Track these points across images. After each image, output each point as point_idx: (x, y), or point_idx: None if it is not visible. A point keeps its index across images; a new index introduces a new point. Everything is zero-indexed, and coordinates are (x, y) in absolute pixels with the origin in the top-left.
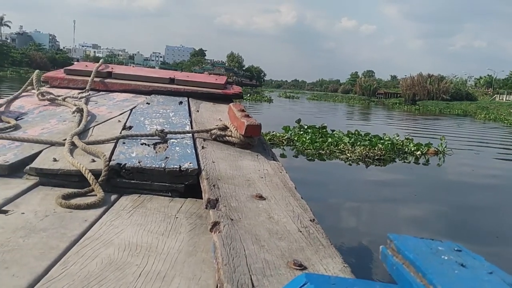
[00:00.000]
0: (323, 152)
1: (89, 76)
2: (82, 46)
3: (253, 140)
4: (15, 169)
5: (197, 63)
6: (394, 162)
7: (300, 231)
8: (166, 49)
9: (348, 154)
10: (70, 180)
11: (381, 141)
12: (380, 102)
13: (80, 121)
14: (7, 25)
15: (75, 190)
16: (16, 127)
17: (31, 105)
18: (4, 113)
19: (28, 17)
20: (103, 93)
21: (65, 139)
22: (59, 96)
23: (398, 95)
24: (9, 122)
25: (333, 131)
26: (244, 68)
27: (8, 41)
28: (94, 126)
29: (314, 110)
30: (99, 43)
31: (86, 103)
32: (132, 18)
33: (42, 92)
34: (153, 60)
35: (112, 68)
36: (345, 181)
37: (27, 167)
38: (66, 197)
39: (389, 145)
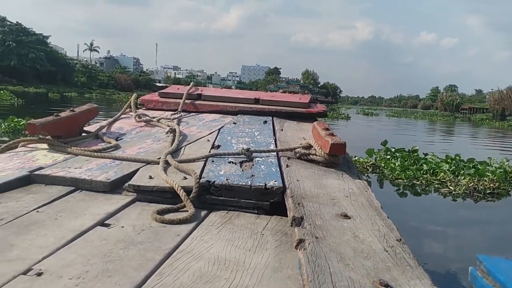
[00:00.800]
0: (417, 182)
1: (181, 98)
2: (164, 68)
3: (338, 159)
4: (115, 186)
5: (271, 81)
6: (509, 196)
7: (386, 251)
8: (242, 68)
9: (451, 187)
10: (164, 196)
11: (489, 167)
12: (466, 118)
13: (173, 141)
14: (96, 50)
15: (169, 206)
16: (116, 147)
17: (129, 126)
18: (106, 134)
19: (115, 42)
20: (194, 114)
21: (160, 158)
22: (154, 117)
23: (485, 110)
24: (110, 143)
25: (425, 155)
26: (319, 85)
27: (97, 65)
28: (185, 145)
29: (396, 127)
30: (179, 65)
31: (178, 124)
32: (210, 40)
33: (139, 114)
34: (229, 80)
35: (201, 91)
36: (453, 225)
37: (126, 184)
38: (161, 212)
39: (502, 174)
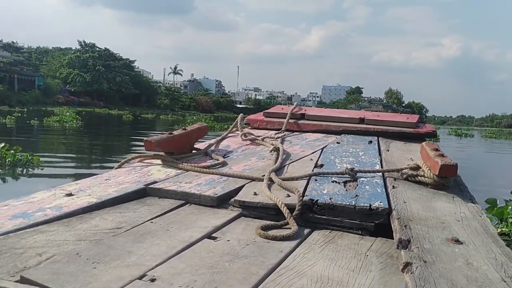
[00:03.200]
0: None
1: (285, 118)
2: (245, 89)
3: (448, 181)
4: (222, 201)
5: (353, 101)
6: None
7: (504, 281)
8: (323, 88)
9: None
10: (268, 213)
11: None
12: None
13: (277, 159)
14: (179, 73)
15: (272, 222)
16: (223, 164)
17: (235, 144)
18: (214, 151)
19: (199, 66)
20: (297, 133)
21: (264, 175)
22: (258, 136)
23: None
24: (218, 160)
25: None
26: (403, 105)
27: (181, 88)
28: (288, 164)
29: (504, 152)
30: (260, 86)
31: (282, 143)
32: (291, 61)
33: (245, 133)
34: (310, 100)
35: (305, 110)
36: None
37: (232, 200)
38: (265, 228)
39: None
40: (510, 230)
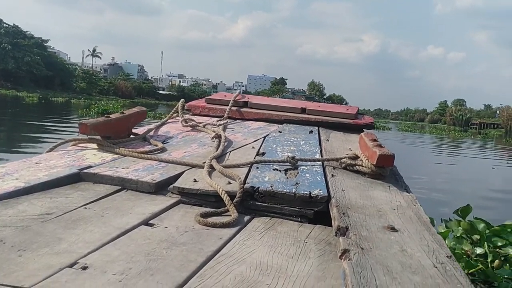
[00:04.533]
0: None
1: (227, 105)
2: (169, 76)
3: (385, 171)
4: (160, 187)
5: (277, 92)
6: None
7: (436, 267)
8: (248, 78)
9: None
10: (208, 200)
11: None
12: (477, 132)
13: (218, 146)
14: (98, 56)
15: (212, 209)
16: (163, 150)
17: (176, 130)
18: (153, 136)
19: (122, 50)
20: (239, 121)
21: (205, 162)
22: (200, 123)
23: (497, 126)
24: (157, 145)
25: None
26: (325, 97)
27: (101, 71)
28: (230, 151)
29: (424, 146)
30: (185, 73)
31: (224, 130)
32: (217, 49)
33: (186, 119)
34: (235, 89)
35: (248, 98)
36: None
37: (171, 186)
38: (204, 215)
39: None
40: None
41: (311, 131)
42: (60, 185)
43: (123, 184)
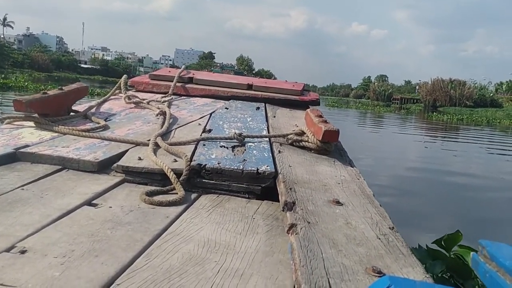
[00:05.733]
0: None
1: (172, 81)
2: (91, 49)
3: (330, 146)
4: (103, 166)
5: (205, 66)
6: None
7: (379, 238)
8: (176, 52)
9: None
10: (153, 178)
11: None
12: (398, 107)
13: (163, 123)
14: (10, 26)
15: (158, 187)
16: (105, 128)
17: (119, 107)
18: (95, 114)
19: (38, 20)
20: (185, 97)
21: (149, 140)
22: (144, 99)
23: (416, 100)
24: (99, 123)
25: None
26: (254, 72)
27: (14, 42)
28: (176, 129)
29: (351, 121)
30: (108, 46)
31: (169, 107)
32: (143, 22)
33: (129, 96)
34: (162, 64)
35: (193, 74)
36: None
37: (115, 165)
38: (150, 194)
39: None
40: None
41: (258, 108)
42: None
43: (64, 164)
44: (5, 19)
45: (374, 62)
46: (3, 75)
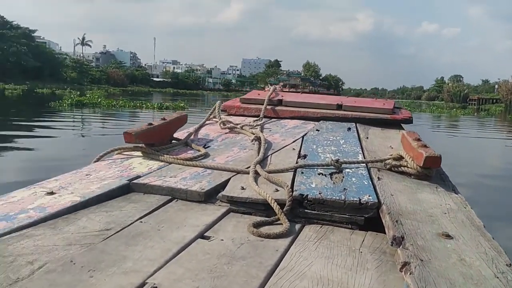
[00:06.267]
0: None
1: (262, 104)
2: (163, 62)
3: (431, 172)
4: (209, 196)
5: (272, 74)
6: None
7: (497, 277)
8: (243, 62)
9: None
10: (257, 208)
11: None
12: (476, 109)
13: (259, 149)
14: (88, 45)
15: (263, 218)
16: (206, 155)
17: (215, 133)
18: (194, 141)
19: (114, 38)
20: (275, 120)
21: (249, 167)
22: (237, 124)
23: (496, 100)
24: (199, 150)
25: None
26: (321, 78)
27: (93, 60)
28: (271, 154)
29: (432, 126)
30: (179, 59)
31: (262, 131)
32: (210, 34)
33: (224, 121)
34: (229, 74)
35: (282, 96)
36: None
37: (220, 194)
38: (256, 225)
39: None
40: None
41: (349, 128)
42: (112, 196)
43: (173, 194)
44: (83, 38)
45: (447, 62)
46: (78, 93)
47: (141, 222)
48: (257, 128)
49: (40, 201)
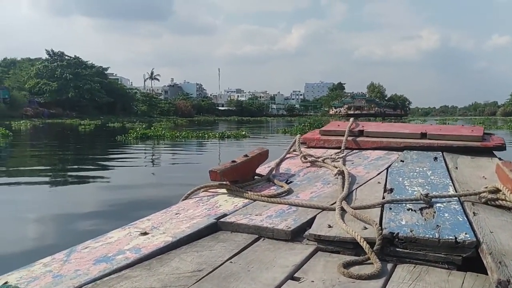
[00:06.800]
0: None
1: (342, 135)
2: (227, 91)
3: None
4: (295, 234)
5: (335, 97)
6: None
7: None
8: (305, 86)
9: None
10: (345, 247)
11: None
12: None
13: (343, 184)
14: (157, 79)
15: (353, 258)
16: (289, 192)
17: (296, 167)
18: (276, 176)
19: (180, 71)
20: (357, 151)
21: (334, 203)
22: (318, 157)
23: None
24: (282, 186)
25: None
26: (386, 98)
27: (161, 93)
28: (356, 189)
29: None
30: (242, 87)
31: (344, 164)
32: (272, 61)
33: (305, 155)
34: (293, 99)
35: (363, 126)
36: None
37: (306, 233)
38: (346, 265)
39: None
40: None
41: (436, 158)
42: (201, 235)
43: (259, 233)
44: (152, 73)
45: None
46: (144, 126)
47: (231, 262)
48: (339, 161)
49: (135, 242)
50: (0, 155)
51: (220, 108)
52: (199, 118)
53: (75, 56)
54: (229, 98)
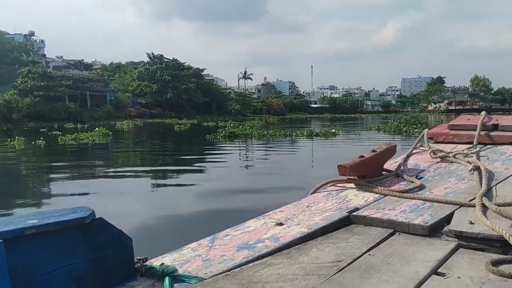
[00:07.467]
0: None
1: (473, 130)
2: (320, 88)
3: None
4: (433, 230)
5: (434, 92)
6: None
7: None
8: (402, 81)
9: None
10: (490, 245)
11: None
12: None
13: (481, 180)
14: (250, 78)
15: (501, 256)
16: (421, 187)
17: (425, 162)
18: (404, 171)
19: (273, 69)
20: (491, 146)
21: (472, 200)
22: (448, 153)
23: None
24: (413, 182)
25: None
26: (492, 92)
27: (255, 92)
28: (495, 185)
29: None
30: (336, 84)
31: (478, 159)
32: (366, 57)
33: (434, 150)
34: (389, 95)
35: (496, 120)
36: None
37: (445, 229)
38: (495, 263)
39: None
40: None
41: None
42: (334, 228)
43: (394, 227)
44: (245, 73)
45: None
46: (232, 124)
47: (369, 255)
48: (472, 157)
49: (272, 232)
50: (98, 152)
51: (312, 105)
52: (291, 116)
53: (173, 58)
54: (322, 95)
